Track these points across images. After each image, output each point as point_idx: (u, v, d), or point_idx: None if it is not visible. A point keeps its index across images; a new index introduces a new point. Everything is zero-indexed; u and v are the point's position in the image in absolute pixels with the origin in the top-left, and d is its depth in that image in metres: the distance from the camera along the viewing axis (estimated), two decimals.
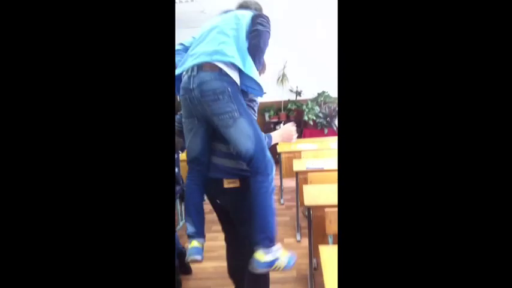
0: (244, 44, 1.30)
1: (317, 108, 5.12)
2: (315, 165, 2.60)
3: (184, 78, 1.32)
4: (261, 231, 1.29)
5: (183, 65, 1.31)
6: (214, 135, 1.38)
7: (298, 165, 2.70)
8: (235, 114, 1.25)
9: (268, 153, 1.32)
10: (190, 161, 1.43)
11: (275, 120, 5.43)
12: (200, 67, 1.26)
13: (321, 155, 3.22)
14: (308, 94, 5.45)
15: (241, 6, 1.49)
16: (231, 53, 1.25)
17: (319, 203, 1.79)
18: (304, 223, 2.96)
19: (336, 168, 2.42)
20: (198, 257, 1.37)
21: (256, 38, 1.32)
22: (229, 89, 1.24)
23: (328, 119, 5.03)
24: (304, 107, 5.21)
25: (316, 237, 1.84)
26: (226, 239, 1.65)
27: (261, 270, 1.29)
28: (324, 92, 5.38)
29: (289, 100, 5.50)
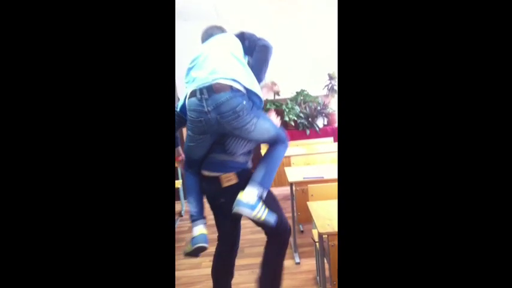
0: (243, 60, 1.41)
1: (297, 108, 4.81)
2: (313, 175, 2.26)
3: (193, 101, 1.34)
4: (262, 175, 1.41)
5: (185, 93, 1.43)
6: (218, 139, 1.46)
7: (293, 175, 2.35)
8: (254, 120, 1.34)
9: (281, 129, 1.50)
10: (190, 162, 1.52)
11: None
12: (210, 89, 1.30)
13: (312, 161, 2.90)
14: (286, 93, 5.13)
15: (209, 35, 1.54)
16: (231, 70, 1.33)
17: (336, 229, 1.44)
18: (301, 240, 2.62)
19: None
20: (206, 244, 1.45)
21: (263, 52, 1.45)
22: (244, 103, 1.31)
23: (310, 119, 4.73)
24: (283, 106, 4.88)
25: (334, 270, 1.49)
26: (219, 237, 1.64)
27: (241, 210, 1.33)
28: (302, 91, 5.09)
29: (267, 100, 5.16)
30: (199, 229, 1.47)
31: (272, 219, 1.40)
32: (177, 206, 3.71)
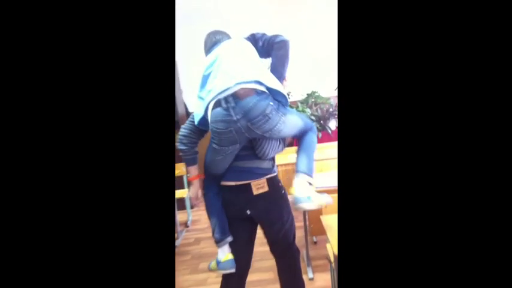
0: (259, 60, 1.36)
1: (308, 111, 4.63)
2: (326, 184, 2.07)
3: (219, 112, 1.26)
4: (306, 163, 1.37)
5: (203, 105, 1.32)
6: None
7: None
8: (283, 118, 1.29)
9: (305, 116, 1.47)
10: (212, 178, 1.45)
11: None
12: (235, 96, 1.24)
13: (325, 166, 2.72)
14: (297, 96, 4.96)
15: (215, 41, 1.48)
16: (251, 73, 1.27)
17: None
18: (315, 252, 2.43)
19: None
20: (234, 270, 1.45)
21: (283, 48, 1.39)
22: (271, 103, 1.26)
23: (321, 121, 4.55)
24: (294, 110, 4.71)
25: None
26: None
27: (303, 206, 1.29)
28: (313, 92, 4.91)
29: None
30: (225, 254, 1.44)
31: (329, 199, 1.36)
32: (184, 216, 3.57)
